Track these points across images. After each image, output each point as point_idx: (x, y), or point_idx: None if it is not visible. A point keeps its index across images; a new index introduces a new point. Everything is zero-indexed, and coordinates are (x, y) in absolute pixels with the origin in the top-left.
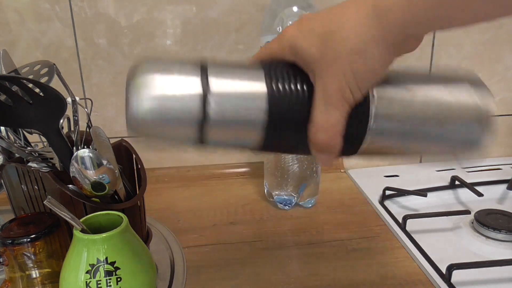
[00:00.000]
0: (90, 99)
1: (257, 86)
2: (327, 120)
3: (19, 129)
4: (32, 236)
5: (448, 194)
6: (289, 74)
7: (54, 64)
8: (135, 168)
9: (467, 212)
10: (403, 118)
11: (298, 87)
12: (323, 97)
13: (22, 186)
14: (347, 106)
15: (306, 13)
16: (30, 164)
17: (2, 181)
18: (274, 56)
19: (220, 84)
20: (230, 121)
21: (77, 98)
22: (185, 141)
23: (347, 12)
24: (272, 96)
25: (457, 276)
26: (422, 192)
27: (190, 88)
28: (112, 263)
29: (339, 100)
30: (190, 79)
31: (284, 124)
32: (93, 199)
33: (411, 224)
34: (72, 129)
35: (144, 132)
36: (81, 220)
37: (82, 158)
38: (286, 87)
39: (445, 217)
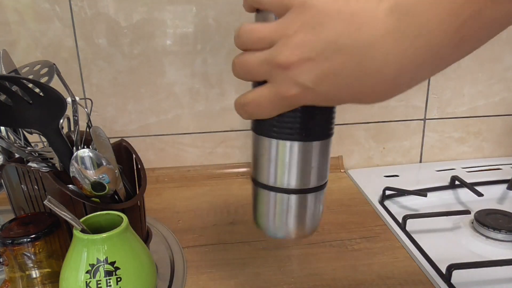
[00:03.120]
0: (90, 99)
1: None
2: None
3: (19, 129)
4: (32, 236)
5: (448, 194)
6: None
7: (54, 64)
8: (135, 168)
9: (467, 212)
10: None
11: None
12: None
13: (22, 186)
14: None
15: None
16: (30, 164)
17: (2, 181)
18: None
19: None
20: None
21: (77, 98)
22: None
23: None
24: None
25: (457, 276)
26: (422, 192)
27: None
28: (112, 263)
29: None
30: None
31: None
32: (93, 199)
33: (411, 224)
34: (72, 129)
35: None
36: (81, 220)
37: (82, 158)
38: None
39: (445, 217)
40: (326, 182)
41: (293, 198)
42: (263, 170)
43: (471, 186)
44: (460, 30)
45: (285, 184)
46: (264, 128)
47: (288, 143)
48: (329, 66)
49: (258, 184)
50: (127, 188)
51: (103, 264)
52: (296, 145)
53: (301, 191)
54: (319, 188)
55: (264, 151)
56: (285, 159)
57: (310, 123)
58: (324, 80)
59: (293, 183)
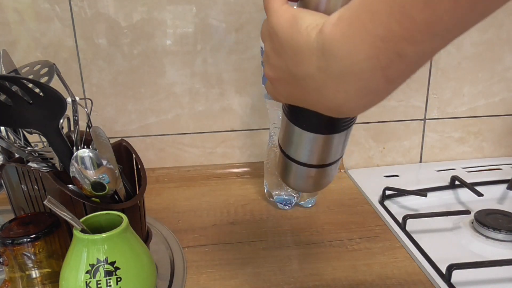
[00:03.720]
0: (90, 99)
1: None
2: None
3: (19, 129)
4: (32, 236)
5: (448, 194)
6: None
7: (54, 64)
8: (135, 168)
9: (467, 212)
10: None
11: None
12: None
13: (22, 186)
14: None
15: None
16: (30, 164)
17: (2, 181)
18: None
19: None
20: None
21: (77, 98)
22: None
23: None
24: None
25: (457, 276)
26: (422, 192)
27: None
28: (112, 263)
29: None
30: None
31: None
32: (93, 199)
33: (411, 224)
34: (72, 129)
35: None
36: (81, 220)
37: (82, 158)
38: None
39: (445, 217)
40: (341, 156)
41: (313, 171)
42: (291, 148)
43: (471, 186)
44: (386, 71)
45: (308, 161)
46: (293, 117)
47: (311, 135)
48: (292, 89)
49: (286, 156)
50: (127, 188)
51: (103, 264)
52: (317, 137)
53: (320, 166)
54: (334, 162)
55: (292, 134)
56: (308, 146)
57: (326, 120)
58: (293, 99)
59: (314, 161)
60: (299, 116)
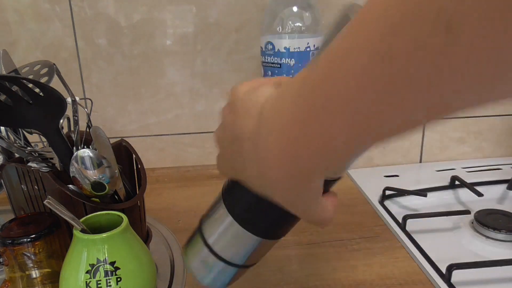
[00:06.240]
0: (90, 99)
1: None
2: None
3: (19, 129)
4: (32, 236)
5: (448, 194)
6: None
7: (54, 64)
8: (135, 168)
9: (467, 212)
10: None
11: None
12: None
13: (22, 186)
14: None
15: None
16: (30, 164)
17: (2, 181)
18: None
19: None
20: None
21: (77, 98)
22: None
23: None
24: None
25: (457, 276)
26: (422, 192)
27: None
28: (112, 263)
29: None
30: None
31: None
32: (93, 199)
33: (411, 224)
34: (72, 129)
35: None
36: (81, 220)
37: (82, 158)
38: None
39: (445, 217)
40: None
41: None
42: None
43: (471, 186)
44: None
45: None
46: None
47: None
48: (232, 154)
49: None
50: (127, 188)
51: (103, 264)
52: (236, 226)
53: (227, 263)
54: (240, 266)
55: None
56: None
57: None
58: (233, 168)
59: (223, 256)
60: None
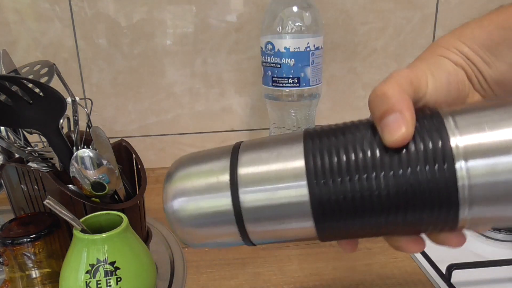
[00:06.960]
0: (90, 99)
1: (294, 171)
2: None
3: (19, 129)
4: (32, 236)
5: None
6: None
7: (54, 64)
8: (135, 168)
9: None
10: None
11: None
12: None
13: (22, 186)
14: None
15: None
16: (30, 164)
17: (2, 181)
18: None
19: (249, 180)
20: (269, 219)
21: (77, 98)
22: (233, 241)
23: None
24: (312, 184)
25: (457, 276)
26: None
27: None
28: (112, 263)
29: None
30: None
31: (336, 215)
32: (93, 199)
33: None
34: (72, 129)
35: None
36: (81, 220)
37: (82, 158)
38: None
39: None
40: None
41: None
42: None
43: None
44: None
45: None
46: None
47: None
48: None
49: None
50: (127, 188)
51: (103, 264)
52: None
53: None
54: None
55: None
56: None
57: None
58: None
59: None
60: None
